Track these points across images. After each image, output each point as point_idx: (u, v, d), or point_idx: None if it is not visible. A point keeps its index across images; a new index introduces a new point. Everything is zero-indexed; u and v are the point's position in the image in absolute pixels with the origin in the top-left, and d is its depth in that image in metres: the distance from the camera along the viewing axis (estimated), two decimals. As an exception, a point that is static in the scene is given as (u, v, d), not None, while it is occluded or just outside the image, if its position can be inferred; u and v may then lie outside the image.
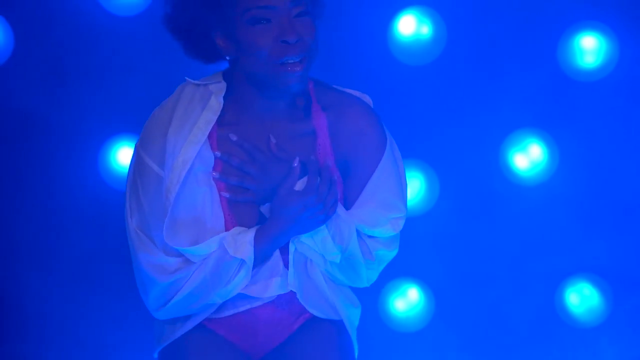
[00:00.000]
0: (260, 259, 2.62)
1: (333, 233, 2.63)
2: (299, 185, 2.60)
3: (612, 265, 3.95)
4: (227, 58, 2.60)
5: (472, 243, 3.96)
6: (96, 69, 3.91)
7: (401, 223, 2.70)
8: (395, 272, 3.96)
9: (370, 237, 2.69)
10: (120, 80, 3.91)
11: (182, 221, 2.60)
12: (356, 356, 2.83)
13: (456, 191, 3.95)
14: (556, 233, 3.94)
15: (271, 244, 2.61)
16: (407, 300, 3.98)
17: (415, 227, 3.93)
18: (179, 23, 2.61)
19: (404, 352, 4.00)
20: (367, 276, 2.72)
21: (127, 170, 2.75)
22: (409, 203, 3.84)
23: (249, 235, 2.60)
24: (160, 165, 2.60)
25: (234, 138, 2.63)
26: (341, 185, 2.69)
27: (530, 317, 3.98)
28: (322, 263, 2.68)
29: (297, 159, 2.60)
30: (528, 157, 3.90)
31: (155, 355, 2.79)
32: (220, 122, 2.63)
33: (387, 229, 2.68)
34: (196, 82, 2.65)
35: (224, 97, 2.62)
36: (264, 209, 2.64)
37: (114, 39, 3.90)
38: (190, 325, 2.70)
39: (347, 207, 2.68)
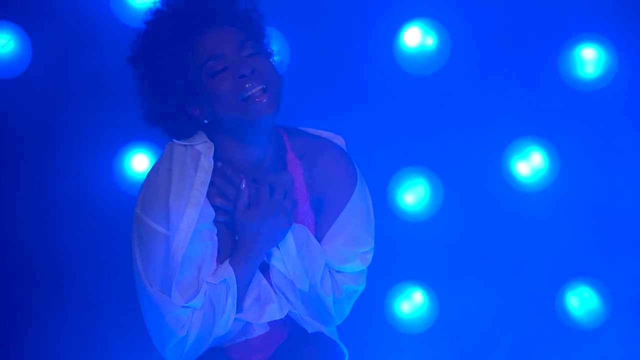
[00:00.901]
0: (243, 282, 2.68)
1: (303, 255, 2.70)
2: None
3: (611, 269, 3.94)
4: (205, 122, 2.67)
5: (475, 247, 3.96)
6: (111, 79, 3.90)
7: (369, 257, 2.78)
8: (400, 276, 3.98)
9: (338, 272, 2.75)
10: (134, 90, 3.92)
11: (189, 278, 2.66)
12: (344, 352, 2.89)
13: (459, 197, 3.95)
14: (556, 238, 3.94)
15: (247, 264, 2.68)
16: (412, 303, 3.98)
17: (419, 232, 3.95)
18: (159, 114, 2.70)
19: (408, 353, 3.99)
20: (336, 311, 2.77)
21: (139, 178, 2.82)
22: (413, 208, 3.92)
23: (226, 262, 2.68)
24: (167, 228, 2.65)
25: (219, 165, 2.70)
26: (314, 223, 2.77)
27: (532, 320, 3.97)
28: (292, 292, 2.73)
29: (244, 180, 2.67)
30: (529, 164, 3.90)
31: None
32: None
33: (357, 264, 2.76)
34: (183, 142, 2.70)
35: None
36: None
37: (128, 49, 3.90)
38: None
39: (319, 241, 2.76)
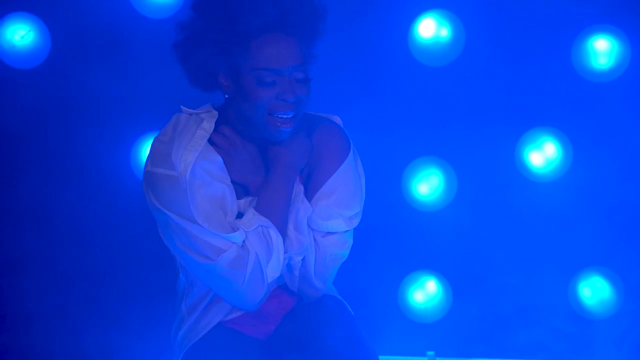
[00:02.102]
0: (280, 212, 2.76)
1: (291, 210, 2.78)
2: (241, 204, 2.77)
3: (623, 259, 3.93)
4: (226, 96, 2.77)
5: (488, 237, 3.96)
6: (128, 69, 3.92)
7: (355, 221, 2.84)
8: (414, 265, 3.99)
9: (323, 237, 2.82)
10: (151, 80, 3.92)
11: (217, 217, 2.73)
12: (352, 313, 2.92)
13: (473, 187, 3.95)
14: (569, 228, 3.93)
15: (278, 188, 2.76)
16: (426, 292, 3.99)
17: (433, 221, 3.95)
18: (188, 55, 2.75)
19: (422, 342, 4.00)
20: (316, 274, 2.83)
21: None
22: (427, 198, 3.91)
23: (249, 210, 2.76)
24: (176, 171, 2.73)
25: (226, 130, 2.79)
26: (302, 194, 2.84)
27: (545, 309, 3.97)
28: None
29: None
30: (543, 154, 3.89)
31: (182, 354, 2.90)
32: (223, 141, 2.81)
33: (339, 222, 2.81)
34: (189, 111, 2.82)
35: (218, 122, 2.80)
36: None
37: (146, 41, 3.91)
38: (208, 326, 2.84)
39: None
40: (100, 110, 3.96)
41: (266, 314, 2.86)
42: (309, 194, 2.85)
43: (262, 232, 2.74)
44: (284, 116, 2.72)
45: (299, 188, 2.84)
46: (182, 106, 2.85)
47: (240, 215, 2.81)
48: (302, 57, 2.71)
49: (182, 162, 2.73)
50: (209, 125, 2.79)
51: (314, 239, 2.83)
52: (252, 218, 2.74)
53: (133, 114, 3.94)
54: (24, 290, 4.01)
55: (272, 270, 2.74)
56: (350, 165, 2.85)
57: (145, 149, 3.95)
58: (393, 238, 3.98)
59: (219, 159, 2.79)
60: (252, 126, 2.76)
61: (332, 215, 2.81)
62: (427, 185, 3.94)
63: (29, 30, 3.91)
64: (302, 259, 2.83)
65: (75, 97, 3.95)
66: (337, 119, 2.93)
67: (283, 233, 2.78)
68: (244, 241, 2.74)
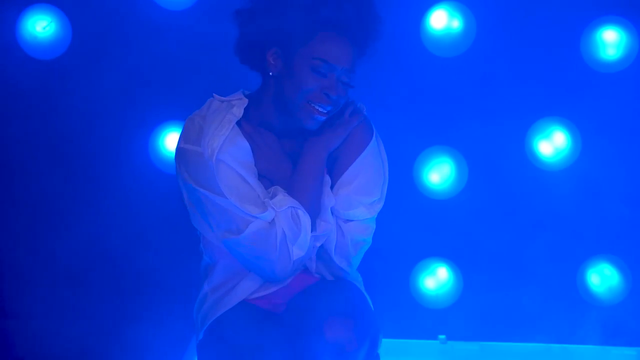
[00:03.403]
0: (310, 197, 2.84)
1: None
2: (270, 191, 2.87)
3: (631, 247, 3.93)
4: (270, 73, 2.85)
5: (498, 225, 3.96)
6: (148, 60, 3.93)
7: (377, 207, 2.92)
8: (425, 252, 4.01)
9: (345, 222, 2.90)
10: (172, 71, 3.94)
11: (241, 189, 2.82)
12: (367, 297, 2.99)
13: (484, 176, 3.95)
14: (578, 216, 3.92)
15: (309, 174, 2.84)
16: (437, 279, 4.00)
17: (445, 209, 3.97)
18: (250, 23, 2.83)
19: (434, 326, 4.02)
20: (340, 259, 2.91)
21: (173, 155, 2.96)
22: (438, 187, 3.92)
23: (281, 192, 2.84)
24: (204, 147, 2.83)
25: (260, 142, 2.89)
26: (329, 185, 2.92)
27: (554, 296, 3.97)
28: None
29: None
30: (552, 144, 3.88)
31: (201, 336, 2.97)
32: (252, 127, 2.90)
33: (361, 211, 2.89)
34: (221, 98, 2.91)
35: (247, 109, 2.89)
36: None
37: (166, 33, 3.93)
38: (231, 303, 2.92)
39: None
40: (118, 99, 3.98)
41: (285, 293, 2.94)
42: (332, 181, 2.92)
43: (291, 213, 2.81)
44: (320, 109, 2.82)
45: (326, 179, 2.91)
46: (214, 94, 2.93)
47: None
48: (353, 64, 2.83)
49: (209, 148, 2.81)
50: (238, 111, 2.87)
51: (337, 224, 2.91)
52: (284, 199, 2.82)
53: (153, 105, 3.96)
54: (37, 285, 4.06)
55: (298, 249, 2.82)
56: (373, 151, 2.92)
57: (165, 141, 3.98)
58: (405, 226, 4.00)
59: (247, 144, 2.86)
60: (286, 108, 2.84)
61: (353, 204, 2.89)
62: (439, 174, 3.96)
63: (51, 22, 3.94)
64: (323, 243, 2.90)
65: (95, 87, 3.98)
66: (361, 106, 3.00)
67: (313, 217, 2.85)
68: (273, 219, 2.81)
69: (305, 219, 2.82)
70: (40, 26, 3.93)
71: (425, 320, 4.02)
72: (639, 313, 3.95)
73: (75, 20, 3.96)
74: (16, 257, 4.04)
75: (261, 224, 2.80)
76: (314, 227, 2.87)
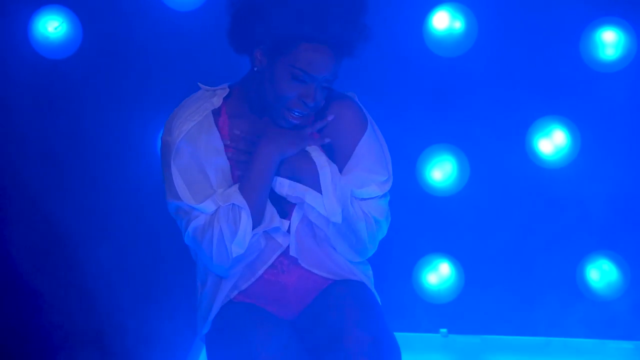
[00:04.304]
0: (256, 197, 2.85)
1: (333, 189, 2.85)
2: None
3: (630, 243, 3.94)
4: (255, 69, 2.87)
5: (499, 222, 3.97)
6: (157, 60, 3.95)
7: (386, 186, 2.92)
8: (428, 248, 4.03)
9: (361, 200, 2.90)
10: (179, 70, 3.94)
11: (193, 179, 2.86)
12: (380, 304, 2.99)
13: (485, 173, 3.96)
14: (577, 213, 3.93)
15: (258, 174, 2.84)
16: (439, 275, 4.01)
17: (447, 206, 3.98)
18: (241, 17, 2.86)
19: (435, 320, 4.04)
20: (369, 239, 2.90)
21: None
22: (441, 184, 3.92)
23: (235, 186, 2.86)
24: (170, 135, 2.89)
25: (237, 132, 2.91)
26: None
27: (554, 291, 3.98)
28: (326, 226, 2.88)
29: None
30: (552, 142, 3.89)
31: (205, 332, 2.99)
32: (230, 115, 2.92)
33: (373, 189, 2.90)
34: (207, 87, 2.95)
35: (230, 97, 2.92)
36: None
37: (175, 33, 3.94)
38: (222, 301, 2.94)
39: None
40: (129, 101, 3.99)
41: (292, 295, 2.95)
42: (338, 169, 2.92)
43: (232, 211, 2.83)
44: (296, 114, 2.84)
45: (335, 168, 2.89)
46: (199, 83, 2.97)
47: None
48: (334, 72, 2.83)
49: (177, 130, 2.85)
50: (217, 100, 2.91)
51: (351, 203, 2.90)
52: (232, 194, 2.84)
53: (162, 105, 3.92)
54: (46, 282, 4.04)
55: (237, 247, 2.84)
56: (371, 135, 2.92)
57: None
58: (408, 222, 4.00)
59: (217, 134, 2.89)
60: (265, 105, 2.87)
61: (365, 182, 2.88)
62: (441, 171, 3.97)
63: (62, 22, 3.95)
64: (349, 228, 2.89)
65: (105, 87, 3.99)
66: (352, 94, 3.00)
67: (257, 217, 2.86)
68: (214, 213, 2.84)
69: (245, 219, 2.82)
70: (52, 27, 3.96)
71: (428, 314, 4.03)
72: (637, 307, 3.95)
73: (86, 21, 3.97)
74: (22, 257, 4.04)
75: (202, 219, 2.83)
76: (257, 225, 2.87)
